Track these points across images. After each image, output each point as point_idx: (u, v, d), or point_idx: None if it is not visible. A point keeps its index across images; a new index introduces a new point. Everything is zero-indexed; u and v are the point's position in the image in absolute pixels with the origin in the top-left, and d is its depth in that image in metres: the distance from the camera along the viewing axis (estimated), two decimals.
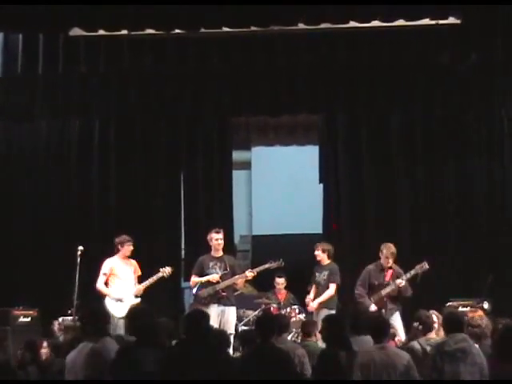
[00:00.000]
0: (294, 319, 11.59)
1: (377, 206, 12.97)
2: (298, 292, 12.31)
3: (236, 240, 13.84)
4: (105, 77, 12.74)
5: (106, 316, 6.98)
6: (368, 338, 7.10)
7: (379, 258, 10.67)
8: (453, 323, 6.56)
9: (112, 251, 10.75)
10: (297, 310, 11.91)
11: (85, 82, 12.81)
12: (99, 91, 12.96)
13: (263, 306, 11.74)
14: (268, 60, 12.18)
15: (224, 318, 10.37)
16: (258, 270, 10.84)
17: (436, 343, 6.73)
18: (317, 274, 11.34)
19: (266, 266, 10.88)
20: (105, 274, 10.57)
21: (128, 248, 10.65)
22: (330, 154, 13.20)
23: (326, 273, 11.19)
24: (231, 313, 10.54)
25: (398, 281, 10.38)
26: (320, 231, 13.29)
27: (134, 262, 10.78)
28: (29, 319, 11.11)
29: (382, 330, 6.75)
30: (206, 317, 6.60)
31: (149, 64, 12.17)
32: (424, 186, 12.96)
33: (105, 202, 13.01)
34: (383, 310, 10.26)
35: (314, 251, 11.25)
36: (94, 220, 12.92)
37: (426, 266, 10.41)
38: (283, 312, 11.62)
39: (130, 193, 13.03)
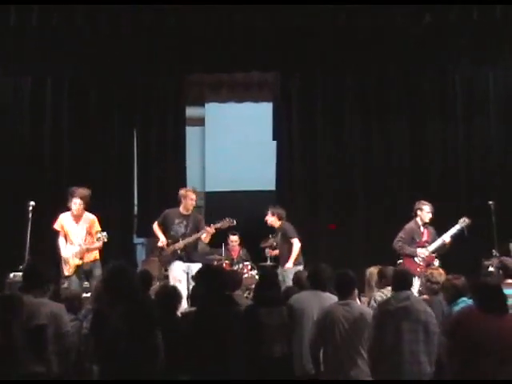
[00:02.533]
0: (246, 275, 11.69)
1: (329, 163, 13.04)
2: (252, 248, 12.41)
3: None
4: (58, 34, 12.50)
5: (34, 273, 6.81)
6: (327, 294, 7.30)
7: (415, 216, 10.76)
8: (399, 281, 6.65)
9: (64, 208, 10.64)
10: (249, 266, 12.01)
11: (37, 39, 12.58)
12: (52, 49, 12.73)
13: (215, 263, 11.78)
14: (221, 17, 12.08)
15: (191, 273, 10.26)
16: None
17: (379, 302, 6.85)
18: None
19: (218, 225, 10.66)
20: (55, 229, 10.42)
21: (71, 203, 10.31)
22: (284, 112, 13.20)
23: None
24: (195, 269, 10.37)
25: (446, 237, 10.57)
26: (273, 188, 13.36)
27: (89, 218, 10.44)
28: None
29: (346, 288, 6.88)
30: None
31: (102, 22, 11.98)
32: (377, 144, 13.05)
33: (58, 158, 12.87)
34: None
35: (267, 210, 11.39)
36: (46, 176, 12.80)
37: (466, 220, 10.63)
38: (235, 268, 11.69)
39: (83, 149, 12.90)
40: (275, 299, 6.94)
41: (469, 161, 12.97)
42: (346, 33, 12.52)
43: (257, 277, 11.72)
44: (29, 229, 10.55)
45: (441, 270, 8.27)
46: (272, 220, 11.32)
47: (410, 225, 10.78)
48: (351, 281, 6.98)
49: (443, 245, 10.62)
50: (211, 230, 10.52)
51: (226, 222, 10.73)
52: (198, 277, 6.93)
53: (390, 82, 13.03)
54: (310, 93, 13.05)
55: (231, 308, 6.49)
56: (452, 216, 11.05)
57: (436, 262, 10.82)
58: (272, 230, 12.16)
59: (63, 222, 10.39)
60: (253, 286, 11.35)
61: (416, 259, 10.56)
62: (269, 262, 12.12)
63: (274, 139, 13.36)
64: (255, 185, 14.32)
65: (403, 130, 13.04)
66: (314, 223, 12.47)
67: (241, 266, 11.96)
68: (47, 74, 12.93)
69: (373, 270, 8.14)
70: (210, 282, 6.48)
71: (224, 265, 11.78)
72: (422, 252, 10.56)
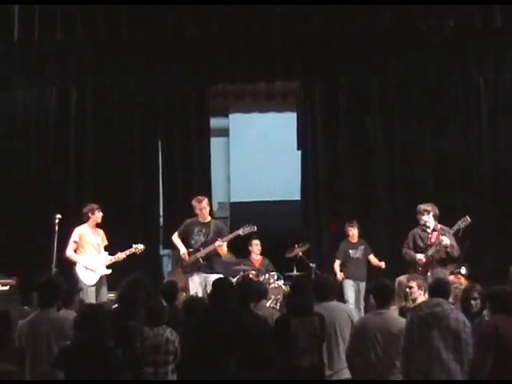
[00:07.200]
0: (272, 286, 11.65)
1: (354, 171, 13.01)
2: (276, 258, 12.37)
3: (214, 207, 13.79)
4: (81, 45, 12.58)
5: (54, 287, 6.84)
6: (334, 304, 7.31)
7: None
8: (433, 289, 6.65)
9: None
10: (275, 277, 11.95)
11: (61, 50, 12.66)
12: (75, 60, 12.83)
13: (242, 273, 11.76)
14: (244, 27, 12.09)
15: (208, 285, 10.20)
16: (229, 238, 10.53)
17: (411, 308, 6.84)
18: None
19: (239, 232, 10.61)
20: (75, 241, 10.49)
21: (98, 215, 10.58)
22: (308, 120, 13.20)
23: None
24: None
25: (441, 238, 10.17)
26: (298, 197, 13.34)
27: (101, 231, 10.67)
28: (7, 288, 11.05)
29: (384, 298, 6.87)
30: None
31: (125, 33, 12.03)
32: (401, 150, 13.01)
33: (82, 169, 12.93)
34: (428, 273, 10.03)
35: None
36: (71, 189, 12.85)
37: (467, 219, 10.25)
38: (261, 279, 11.65)
39: (108, 161, 12.97)
40: (307, 309, 6.92)
41: (493, 164, 12.87)
42: (368, 38, 12.51)
43: (283, 287, 11.69)
44: (55, 241, 10.60)
45: (462, 279, 8.22)
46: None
47: (413, 230, 10.61)
48: (390, 291, 7.00)
49: (441, 246, 10.16)
50: (221, 243, 10.38)
51: (246, 229, 10.67)
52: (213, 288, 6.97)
53: (413, 87, 12.99)
54: (333, 101, 13.04)
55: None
56: (477, 220, 10.93)
57: (463, 270, 10.73)
58: (298, 239, 12.15)
59: (83, 232, 10.56)
60: (279, 296, 11.38)
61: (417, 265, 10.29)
62: (295, 272, 12.07)
63: (298, 149, 13.36)
64: (280, 194, 14.29)
65: (427, 137, 12.99)
66: (339, 232, 12.37)
67: (267, 276, 11.90)
68: (71, 86, 13.01)
69: (402, 280, 8.10)
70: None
71: (250, 275, 11.73)
72: (419, 258, 10.24)
